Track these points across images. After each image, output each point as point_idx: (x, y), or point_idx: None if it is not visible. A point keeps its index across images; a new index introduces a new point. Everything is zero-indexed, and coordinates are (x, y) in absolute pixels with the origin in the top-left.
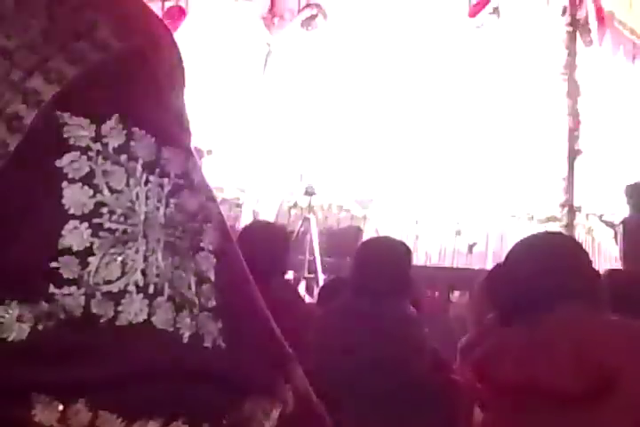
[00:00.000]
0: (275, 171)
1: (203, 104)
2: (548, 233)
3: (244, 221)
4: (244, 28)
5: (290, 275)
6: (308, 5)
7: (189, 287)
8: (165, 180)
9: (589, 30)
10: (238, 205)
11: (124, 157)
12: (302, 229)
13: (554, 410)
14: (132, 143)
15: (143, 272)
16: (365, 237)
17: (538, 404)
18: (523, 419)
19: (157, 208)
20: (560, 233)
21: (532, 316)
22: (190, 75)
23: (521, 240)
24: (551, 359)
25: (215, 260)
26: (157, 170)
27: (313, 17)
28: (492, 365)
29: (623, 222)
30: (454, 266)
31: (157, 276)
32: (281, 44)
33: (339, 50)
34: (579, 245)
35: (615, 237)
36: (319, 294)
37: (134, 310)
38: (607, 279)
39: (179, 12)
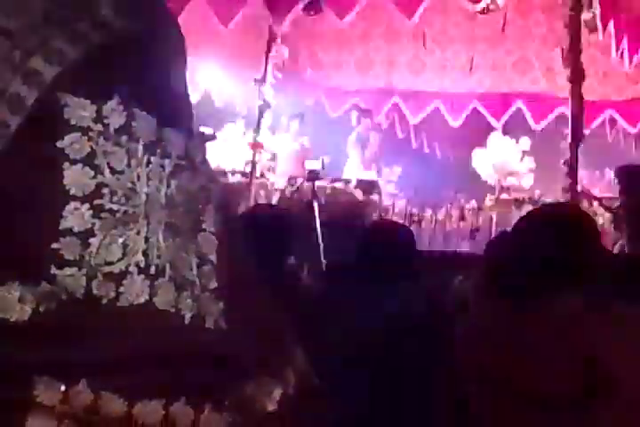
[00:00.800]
0: (278, 155)
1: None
2: (563, 206)
3: (247, 205)
4: (248, 14)
5: (292, 260)
6: None
7: (190, 268)
8: (167, 161)
9: (594, 15)
10: (240, 190)
11: (124, 138)
12: (305, 213)
13: (549, 410)
14: (134, 124)
15: (144, 253)
16: (368, 221)
17: (533, 404)
18: (517, 421)
19: (158, 189)
20: (573, 207)
21: (528, 300)
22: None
23: (535, 210)
24: (544, 360)
25: (217, 241)
26: (158, 151)
27: (315, 1)
28: (485, 365)
29: (623, 206)
30: (457, 251)
31: (159, 257)
32: (284, 29)
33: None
34: (592, 222)
35: (613, 221)
36: (322, 278)
37: (135, 290)
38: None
39: None
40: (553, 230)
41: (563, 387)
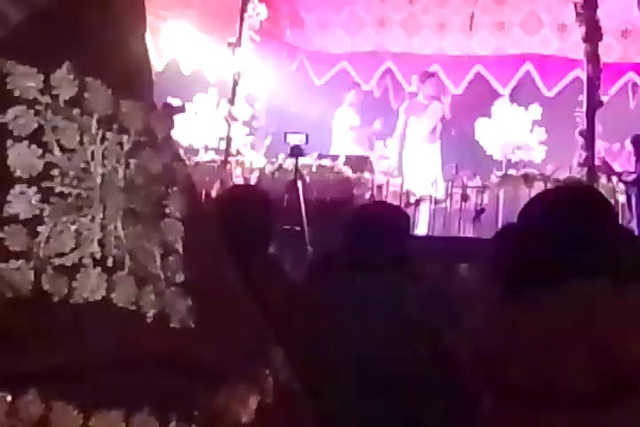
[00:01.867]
0: (255, 129)
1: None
2: (572, 189)
3: (222, 186)
4: None
5: (273, 248)
6: None
7: (154, 260)
8: (124, 137)
9: None
10: (214, 169)
11: (76, 111)
12: (288, 194)
13: (568, 410)
14: (86, 95)
15: (100, 243)
16: (359, 202)
17: (551, 404)
18: (534, 419)
19: (116, 169)
20: (586, 188)
21: (543, 294)
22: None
23: (541, 194)
24: (566, 358)
25: (183, 228)
26: (115, 126)
27: None
28: (499, 364)
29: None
30: (460, 235)
31: (117, 247)
32: None
33: None
34: (606, 204)
35: (628, 198)
36: (307, 269)
37: (91, 286)
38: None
39: None
40: (575, 216)
41: (582, 387)
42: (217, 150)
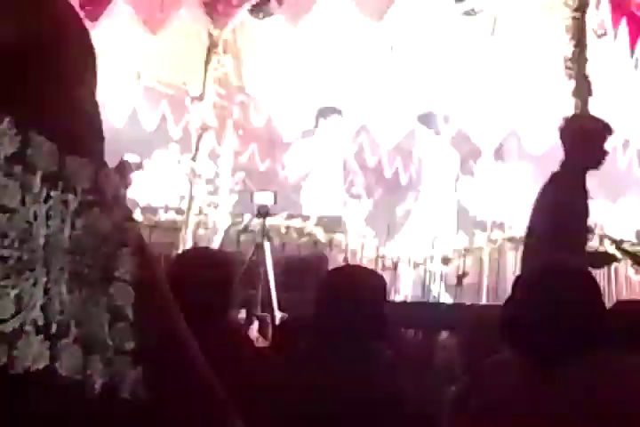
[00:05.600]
0: (219, 188)
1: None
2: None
3: (182, 248)
4: (182, 17)
5: (239, 313)
6: None
7: (102, 326)
8: (70, 196)
9: (602, 17)
10: (175, 230)
11: (18, 169)
12: (254, 257)
13: None
14: (29, 151)
15: (43, 308)
16: (331, 266)
17: None
18: None
19: (61, 230)
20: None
21: (546, 365)
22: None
23: (530, 268)
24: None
25: (133, 292)
26: (61, 183)
27: (265, 2)
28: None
29: None
30: (441, 301)
31: (61, 313)
32: (226, 34)
33: (299, 43)
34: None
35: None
36: (274, 336)
37: (33, 354)
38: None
39: None
40: (566, 288)
41: None
42: (178, 210)
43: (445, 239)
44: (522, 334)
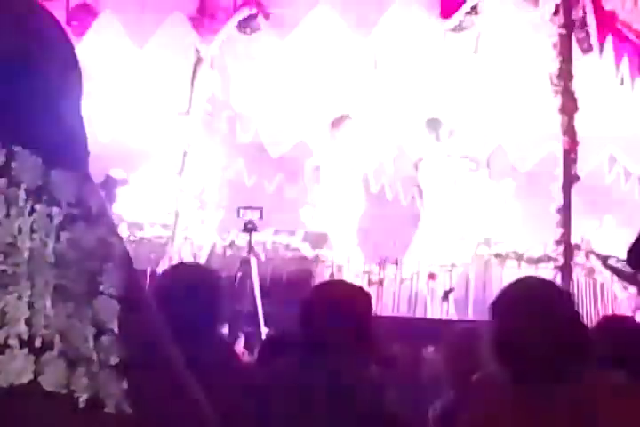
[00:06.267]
0: (206, 203)
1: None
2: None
3: (169, 264)
4: (168, 32)
5: (225, 328)
6: (244, 3)
7: (86, 340)
8: (55, 209)
9: (587, 33)
10: (161, 245)
11: (2, 182)
12: (240, 273)
13: None
14: (14, 165)
15: (27, 322)
16: (317, 281)
17: None
18: None
19: (45, 244)
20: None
21: (534, 385)
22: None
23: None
24: None
25: (119, 306)
26: (45, 197)
27: (252, 17)
28: None
29: None
30: (427, 316)
31: (46, 327)
32: (213, 50)
33: (286, 58)
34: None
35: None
36: (260, 351)
37: (17, 368)
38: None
39: (87, 12)
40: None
41: None
42: (164, 225)
43: (433, 254)
44: (509, 349)
